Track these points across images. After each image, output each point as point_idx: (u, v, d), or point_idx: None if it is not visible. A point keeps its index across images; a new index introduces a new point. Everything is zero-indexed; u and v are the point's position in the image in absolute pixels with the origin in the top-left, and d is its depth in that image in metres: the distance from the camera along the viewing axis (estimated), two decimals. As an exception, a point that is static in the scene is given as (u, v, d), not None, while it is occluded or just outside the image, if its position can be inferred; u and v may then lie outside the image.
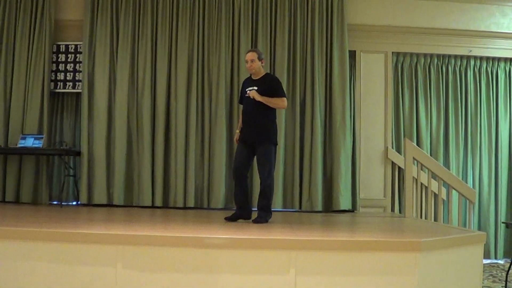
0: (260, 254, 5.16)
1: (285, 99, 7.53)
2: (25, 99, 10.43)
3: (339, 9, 10.48)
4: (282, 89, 7.61)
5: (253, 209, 7.77)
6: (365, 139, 10.64)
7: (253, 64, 7.49)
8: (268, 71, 10.22)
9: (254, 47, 10.34)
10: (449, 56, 11.02)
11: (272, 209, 7.48)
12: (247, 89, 7.54)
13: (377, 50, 10.78)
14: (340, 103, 10.29)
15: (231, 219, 7.38)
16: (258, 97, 7.33)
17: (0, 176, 10.36)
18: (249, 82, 7.68)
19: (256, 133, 7.39)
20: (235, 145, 7.85)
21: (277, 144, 7.63)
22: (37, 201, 10.31)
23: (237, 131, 7.81)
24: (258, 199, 7.45)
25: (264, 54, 10.16)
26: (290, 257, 5.11)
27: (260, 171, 7.37)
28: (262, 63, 7.59)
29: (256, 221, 7.20)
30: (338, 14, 10.47)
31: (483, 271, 7.31)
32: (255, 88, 7.42)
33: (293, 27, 10.51)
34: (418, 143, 10.69)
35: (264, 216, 7.29)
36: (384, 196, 10.54)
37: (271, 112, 7.51)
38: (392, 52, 10.87)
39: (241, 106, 7.87)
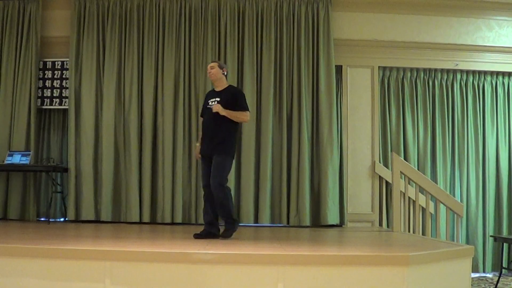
0: (249, 269, 5.15)
1: (248, 113, 7.47)
2: (12, 116, 10.40)
3: (325, 24, 10.51)
4: (245, 102, 7.54)
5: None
6: (352, 154, 10.63)
7: (213, 70, 7.46)
8: (255, 86, 10.29)
9: (239, 62, 10.40)
10: (436, 70, 11.04)
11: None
12: (209, 101, 7.46)
13: (364, 64, 10.78)
14: (327, 118, 10.29)
15: (201, 236, 7.17)
16: (222, 111, 7.20)
17: (-12, 192, 10.32)
18: (212, 94, 7.63)
19: (214, 146, 7.25)
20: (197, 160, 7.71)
21: (233, 157, 7.53)
22: (24, 217, 10.25)
23: (197, 144, 7.74)
24: (217, 210, 7.27)
25: (251, 69, 10.21)
26: (278, 272, 5.11)
27: (212, 179, 7.15)
28: (223, 71, 7.55)
29: (223, 236, 7.10)
30: (324, 29, 10.49)
31: (472, 285, 7.29)
32: (217, 99, 7.34)
33: (279, 42, 10.53)
34: (405, 157, 10.69)
35: (231, 229, 7.17)
36: (372, 211, 10.53)
37: (232, 126, 7.40)
38: (379, 67, 10.87)
39: (201, 119, 7.72)
